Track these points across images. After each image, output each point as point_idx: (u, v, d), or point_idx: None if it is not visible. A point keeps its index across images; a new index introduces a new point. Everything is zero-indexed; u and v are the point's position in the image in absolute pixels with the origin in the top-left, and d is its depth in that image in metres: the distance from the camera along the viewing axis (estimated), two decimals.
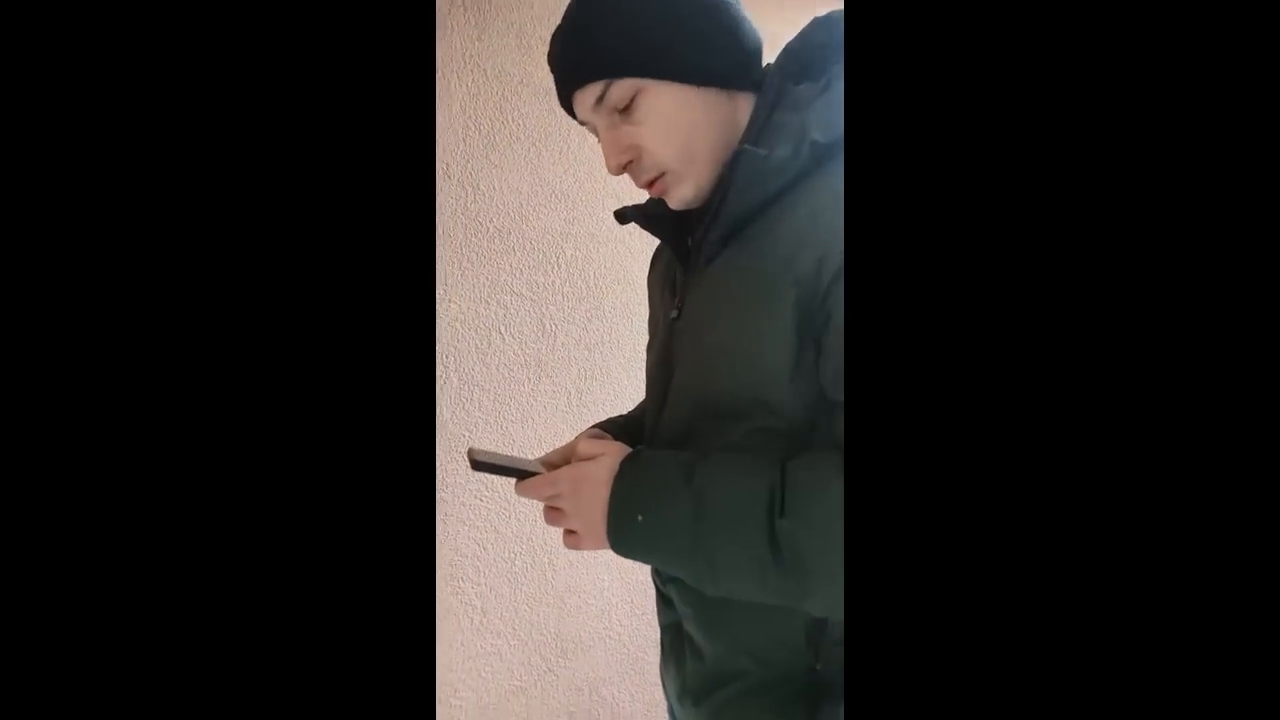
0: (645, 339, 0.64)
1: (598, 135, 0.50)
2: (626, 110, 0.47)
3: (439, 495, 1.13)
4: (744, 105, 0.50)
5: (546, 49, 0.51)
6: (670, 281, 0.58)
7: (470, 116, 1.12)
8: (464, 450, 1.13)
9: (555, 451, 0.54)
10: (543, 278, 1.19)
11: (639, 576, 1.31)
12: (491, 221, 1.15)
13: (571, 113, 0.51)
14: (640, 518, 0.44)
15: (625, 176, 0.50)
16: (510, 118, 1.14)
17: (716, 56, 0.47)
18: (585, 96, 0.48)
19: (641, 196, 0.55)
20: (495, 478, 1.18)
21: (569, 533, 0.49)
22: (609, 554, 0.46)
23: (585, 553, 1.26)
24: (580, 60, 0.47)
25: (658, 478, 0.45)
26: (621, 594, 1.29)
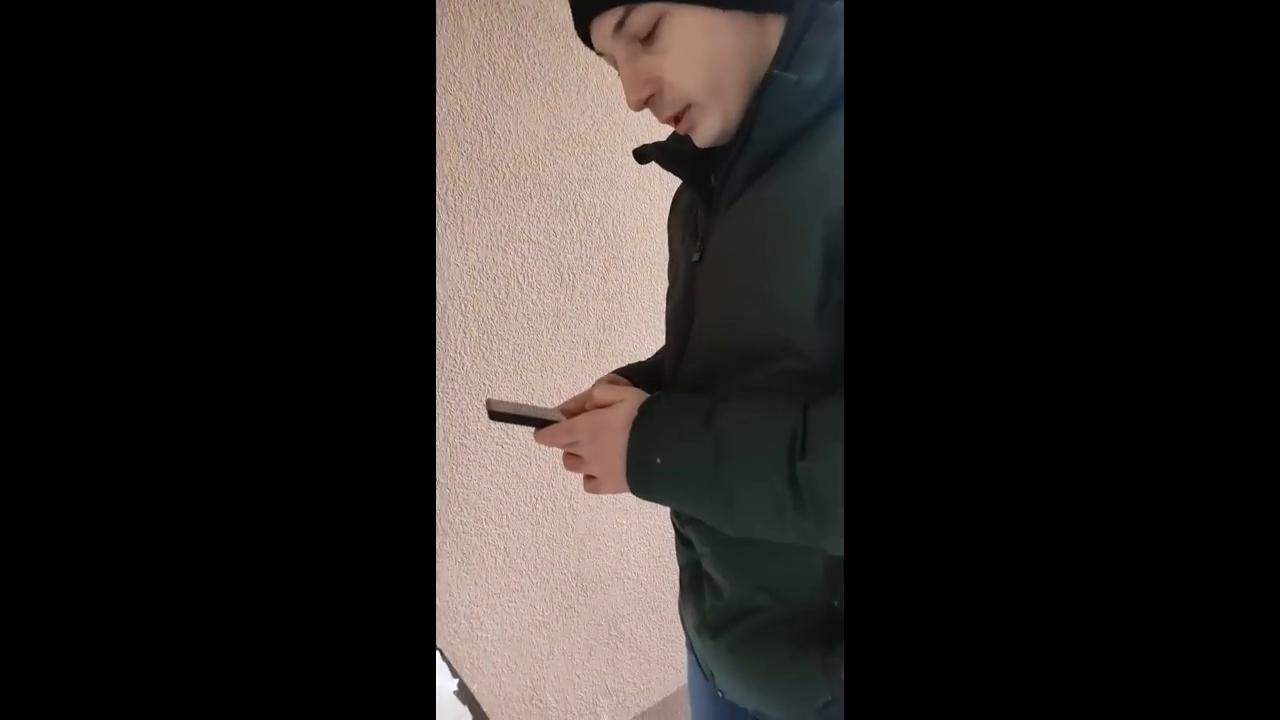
0: (664, 288, 0.63)
1: (616, 67, 0.47)
2: (648, 39, 0.44)
3: (462, 442, 1.16)
4: (774, 28, 0.46)
5: None
6: (692, 223, 0.56)
7: (484, 54, 1.08)
8: (483, 399, 1.15)
9: (572, 400, 0.55)
10: (560, 225, 1.17)
11: (656, 519, 1.34)
12: (507, 166, 1.12)
13: (588, 42, 0.48)
14: (659, 460, 0.44)
15: (647, 117, 0.48)
16: (525, 55, 1.10)
17: None
18: (603, 24, 0.45)
19: (663, 138, 0.53)
20: (516, 427, 1.20)
21: (589, 477, 0.50)
22: (627, 498, 0.47)
23: (604, 497, 1.30)
24: None
25: (676, 421, 0.45)
26: (639, 535, 1.34)
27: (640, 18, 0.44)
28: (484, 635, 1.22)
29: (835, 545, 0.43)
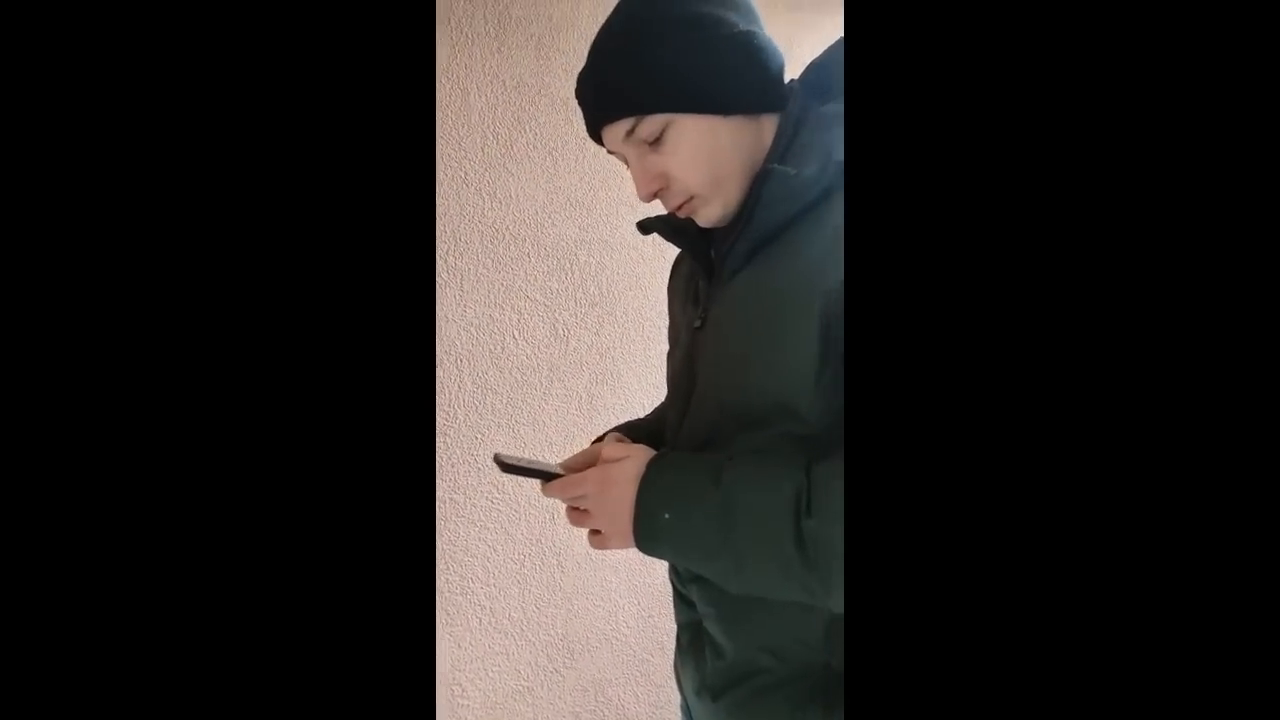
0: (656, 345, 0.66)
1: (626, 164, 0.52)
2: (656, 142, 0.50)
3: (451, 498, 1.15)
4: (768, 125, 0.52)
5: (563, 60, 0.53)
6: (692, 291, 0.60)
7: (489, 126, 1.15)
8: (477, 453, 1.15)
9: (575, 456, 0.56)
10: (556, 284, 1.21)
11: (646, 579, 1.32)
12: (508, 228, 1.17)
13: (599, 142, 0.54)
14: (667, 516, 0.45)
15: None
16: (528, 127, 1.17)
17: (744, 87, 0.49)
18: (615, 131, 0.50)
19: (659, 207, 0.57)
20: (507, 482, 1.19)
21: (594, 533, 0.50)
22: (617, 556, 0.48)
23: (593, 554, 1.28)
24: (610, 98, 0.50)
25: (685, 478, 0.46)
26: (628, 596, 1.31)
27: (649, 126, 0.49)
28: (465, 704, 1.17)
29: (838, 603, 0.43)
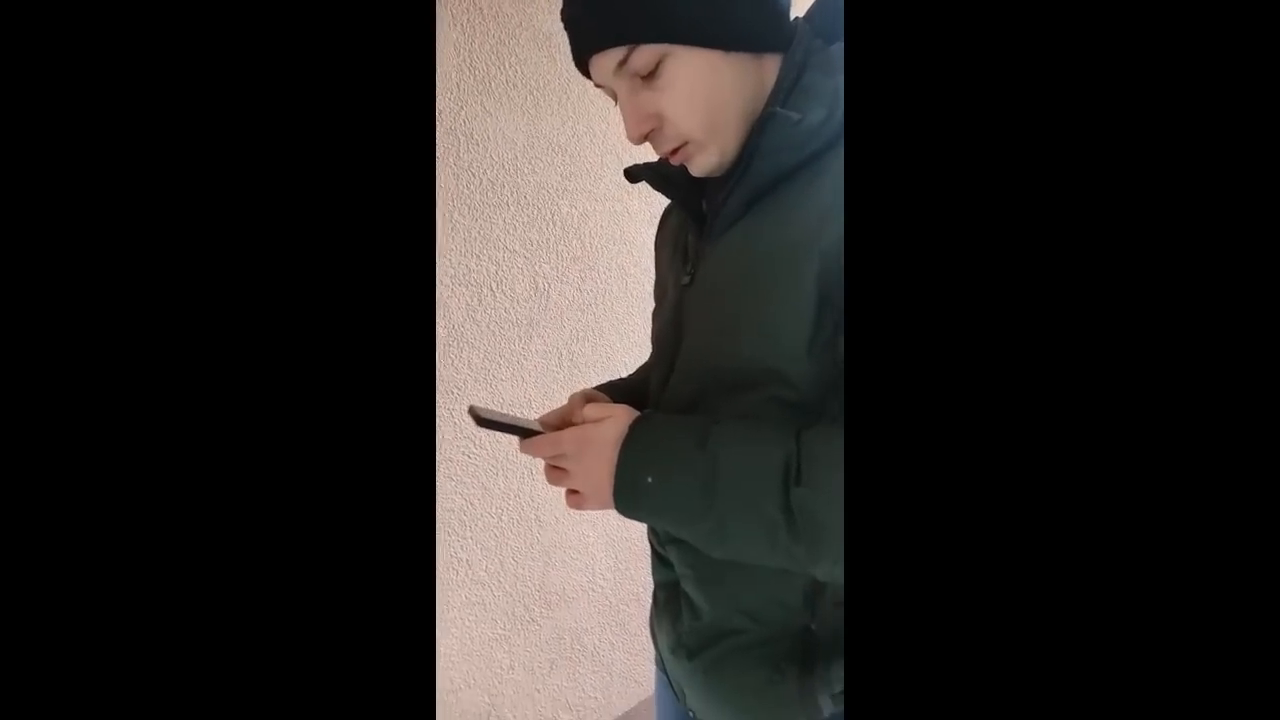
0: (640, 301, 0.63)
1: (615, 99, 0.48)
2: (650, 76, 0.45)
3: None
4: (771, 66, 0.48)
5: None
6: (681, 246, 0.57)
7: (465, 60, 1.07)
8: (453, 408, 1.13)
9: (552, 413, 0.54)
10: (536, 234, 1.16)
11: (622, 533, 1.34)
12: (485, 173, 1.11)
13: (586, 74, 0.49)
14: (649, 479, 0.44)
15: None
16: (507, 63, 1.09)
17: (747, 19, 0.45)
18: (605, 61, 0.46)
19: (647, 152, 0.53)
20: (483, 436, 1.18)
21: (571, 492, 0.49)
22: (595, 511, 0.47)
23: (571, 509, 1.28)
24: (602, 22, 0.45)
25: (669, 441, 0.45)
26: (605, 548, 1.33)
27: (643, 57, 0.44)
28: (441, 650, 1.19)
29: (824, 572, 0.43)
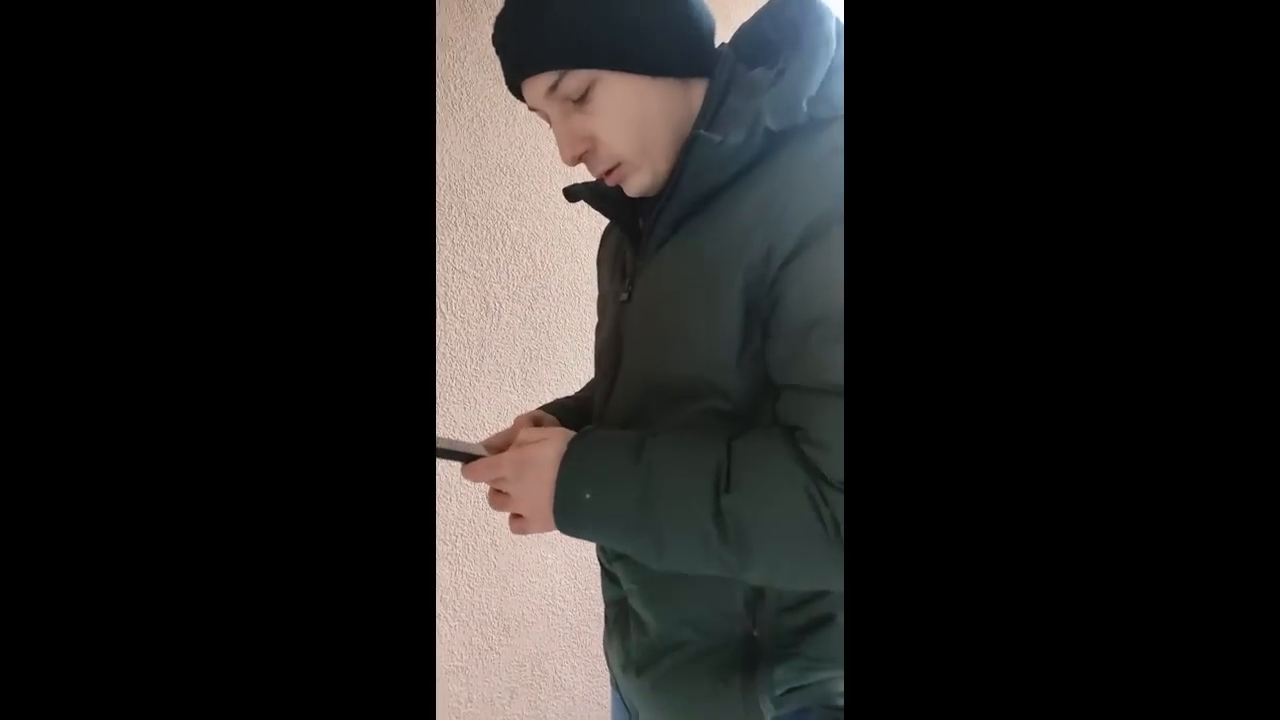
0: (592, 319, 0.64)
1: (549, 122, 0.49)
2: (581, 100, 0.46)
3: None
4: (697, 90, 0.50)
5: (491, 13, 0.49)
6: (620, 262, 0.58)
7: None
8: None
9: (497, 435, 0.54)
10: (486, 255, 1.16)
11: (582, 553, 1.32)
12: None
13: (520, 97, 0.50)
14: (588, 496, 0.44)
15: None
16: (453, 85, 1.09)
17: (672, 46, 0.47)
18: (537, 85, 0.47)
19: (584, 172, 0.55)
20: (439, 462, 1.15)
21: (515, 516, 0.49)
22: (553, 533, 0.47)
23: (515, 534, 1.26)
24: (532, 48, 0.46)
25: (605, 456, 0.45)
26: (565, 570, 1.31)
27: (573, 82, 0.46)
28: None
29: (758, 576, 0.44)
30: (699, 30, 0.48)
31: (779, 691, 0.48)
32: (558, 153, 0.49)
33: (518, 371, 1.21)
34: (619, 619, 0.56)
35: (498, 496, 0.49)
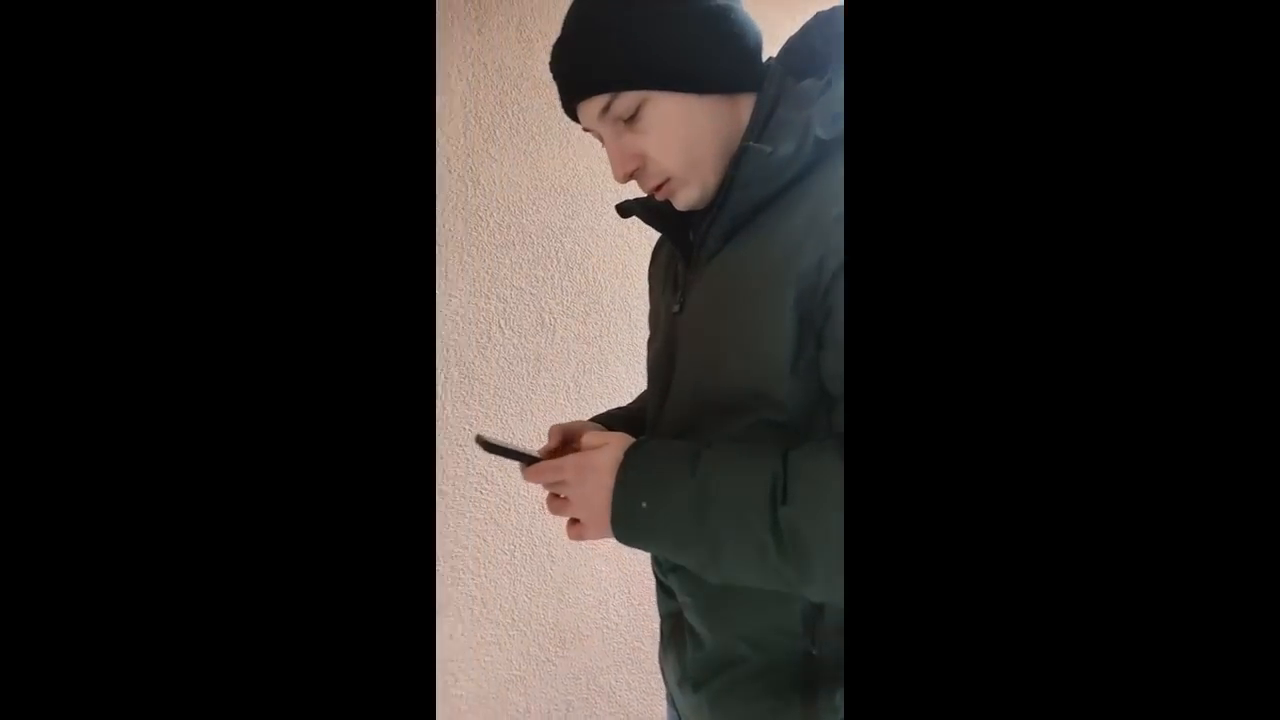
0: (643, 333, 0.65)
1: (602, 141, 0.51)
2: (632, 120, 0.48)
3: (440, 488, 1.14)
4: (745, 105, 0.50)
5: (546, 43, 0.52)
6: (672, 275, 0.58)
7: (470, 110, 1.12)
8: (465, 443, 1.14)
9: (552, 432, 0.55)
10: (542, 272, 1.19)
11: (636, 567, 1.32)
12: (491, 216, 1.15)
13: (575, 119, 0.52)
14: (644, 505, 0.45)
15: None
16: (510, 111, 1.15)
17: (720, 64, 0.48)
18: (590, 107, 0.49)
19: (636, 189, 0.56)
20: (495, 471, 1.19)
21: (572, 522, 0.50)
22: (607, 545, 0.47)
23: (583, 545, 1.27)
24: (585, 73, 0.48)
25: (662, 466, 0.46)
26: (619, 585, 1.31)
27: (624, 103, 0.48)
28: (458, 693, 1.17)
29: (815, 592, 0.43)
30: (745, 47, 0.49)
31: (840, 716, 0.46)
32: (609, 173, 0.50)
33: (571, 385, 1.23)
34: (674, 632, 0.56)
35: (556, 501, 0.50)
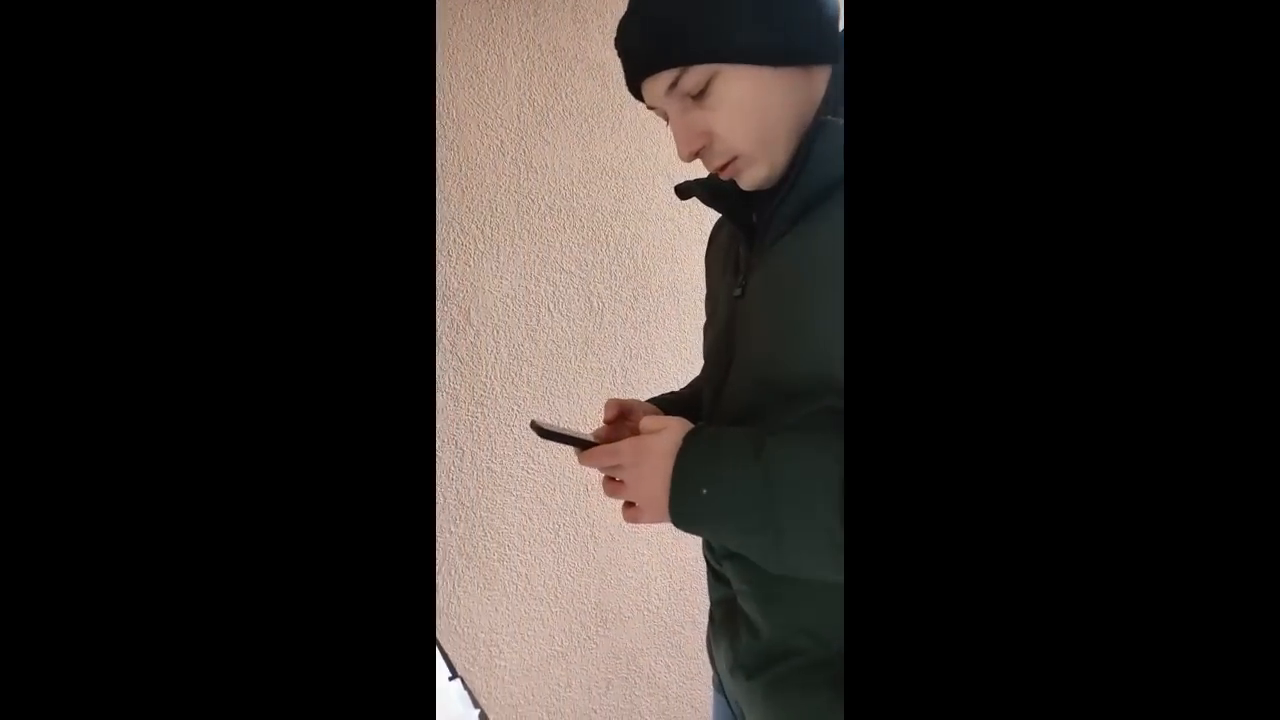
0: (692, 319, 0.64)
1: (667, 120, 0.49)
2: (700, 95, 0.46)
3: (489, 467, 1.17)
4: (820, 77, 0.48)
5: (601, 25, 0.50)
6: (732, 258, 0.57)
7: (525, 93, 1.13)
8: (513, 424, 1.16)
9: (610, 402, 0.55)
10: (591, 255, 1.20)
11: (677, 552, 1.32)
12: (543, 199, 1.16)
13: (639, 97, 0.51)
14: (705, 491, 0.44)
15: (675, 154, 0.50)
16: (564, 94, 1.14)
17: (794, 35, 0.46)
18: (656, 84, 0.47)
19: (697, 171, 0.55)
20: (542, 452, 1.21)
21: (628, 505, 0.49)
22: (650, 530, 0.47)
23: (627, 528, 1.29)
24: (653, 47, 0.46)
25: (724, 452, 0.45)
26: (661, 568, 1.32)
27: (693, 78, 0.46)
28: (503, 664, 1.21)
29: None
30: (822, 16, 0.47)
31: None
32: (660, 156, 0.49)
33: (618, 369, 1.24)
34: (726, 619, 0.56)
35: (612, 484, 0.50)
